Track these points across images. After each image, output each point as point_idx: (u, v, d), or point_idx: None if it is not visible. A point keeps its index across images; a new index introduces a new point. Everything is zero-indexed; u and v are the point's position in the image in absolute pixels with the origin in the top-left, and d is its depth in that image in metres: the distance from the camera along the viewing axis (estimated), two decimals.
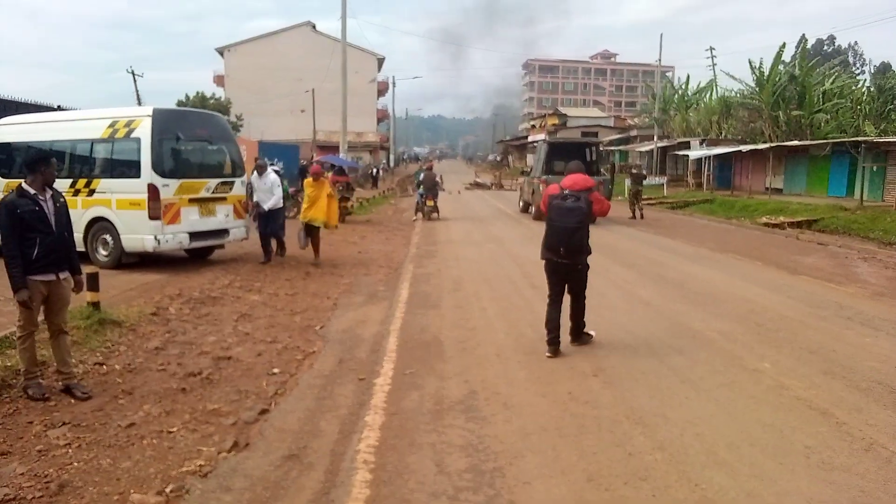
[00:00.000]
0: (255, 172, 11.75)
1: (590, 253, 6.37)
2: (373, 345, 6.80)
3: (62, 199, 5.37)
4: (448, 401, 5.05)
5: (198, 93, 46.54)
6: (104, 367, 5.94)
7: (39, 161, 5.18)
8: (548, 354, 6.20)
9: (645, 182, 30.36)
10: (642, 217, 22.28)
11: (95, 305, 7.07)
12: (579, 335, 6.61)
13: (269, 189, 11.54)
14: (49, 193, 5.22)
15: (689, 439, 4.29)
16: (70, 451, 4.26)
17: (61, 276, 5.26)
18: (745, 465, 3.92)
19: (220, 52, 60.99)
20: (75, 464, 4.04)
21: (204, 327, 7.46)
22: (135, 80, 38.68)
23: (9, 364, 5.51)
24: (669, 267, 11.88)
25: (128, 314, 7.42)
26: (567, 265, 6.30)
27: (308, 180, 12.18)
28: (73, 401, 5.16)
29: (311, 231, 11.90)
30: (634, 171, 26.22)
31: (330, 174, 21.22)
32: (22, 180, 5.21)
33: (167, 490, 3.71)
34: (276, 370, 5.99)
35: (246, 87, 54.37)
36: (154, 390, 5.43)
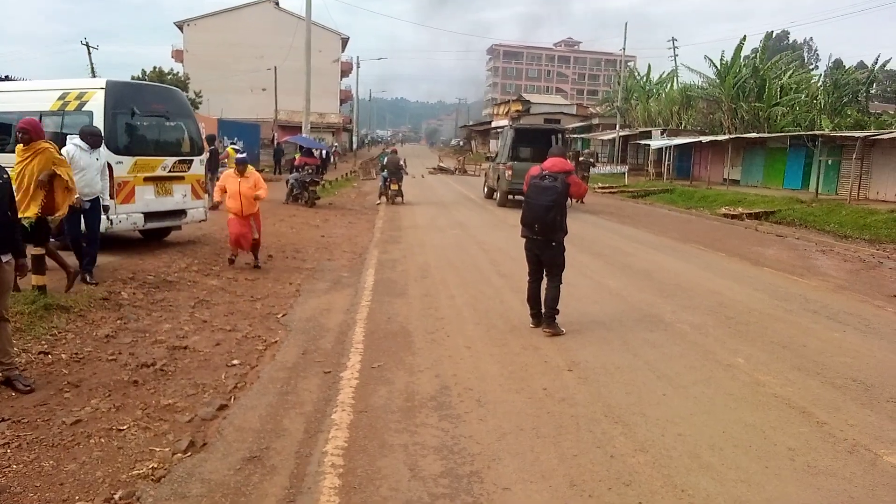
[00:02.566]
0: (82, 144, 8.14)
1: (566, 233, 6.54)
2: (338, 335, 6.52)
3: (5, 176, 4.93)
4: (419, 397, 4.82)
5: (155, 68, 44.83)
6: (49, 356, 5.53)
7: None
8: (531, 325, 6.76)
9: (592, 170, 30.98)
10: (582, 202, 21.95)
11: (41, 289, 6.61)
12: (551, 321, 6.52)
13: (102, 168, 8.28)
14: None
15: (671, 440, 4.15)
16: (9, 451, 3.90)
17: (3, 258, 4.83)
18: (730, 468, 3.79)
19: (180, 26, 59.09)
20: (14, 466, 3.69)
21: (158, 314, 7.07)
22: (89, 53, 37.25)
23: None
24: (635, 256, 11.84)
25: (76, 299, 6.97)
26: (541, 241, 6.57)
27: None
28: (13, 394, 4.76)
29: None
30: (581, 158, 27.41)
31: (298, 155, 20.70)
32: None
33: (116, 497, 3.40)
34: (235, 361, 5.68)
35: (206, 64, 52.81)
36: (103, 382, 5.07)
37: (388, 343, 6.19)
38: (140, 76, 42.41)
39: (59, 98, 9.57)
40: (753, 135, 31.72)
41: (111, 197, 9.22)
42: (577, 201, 22.09)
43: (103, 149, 8.52)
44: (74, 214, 7.77)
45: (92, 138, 8.27)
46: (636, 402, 4.82)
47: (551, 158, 6.66)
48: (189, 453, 3.96)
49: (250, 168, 9.76)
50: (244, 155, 9.99)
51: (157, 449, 4.00)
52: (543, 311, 6.59)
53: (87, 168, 8.02)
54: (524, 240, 6.78)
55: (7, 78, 14.48)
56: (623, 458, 3.88)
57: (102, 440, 4.10)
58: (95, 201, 8.22)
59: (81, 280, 7.61)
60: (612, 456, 3.91)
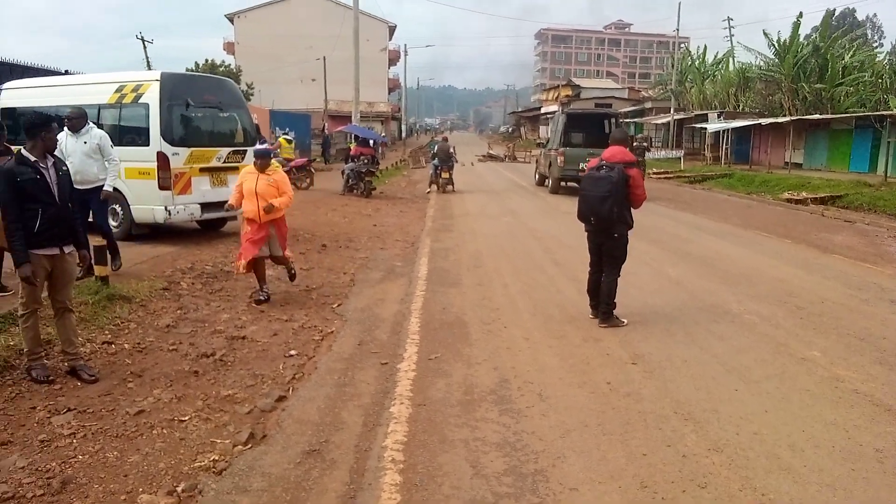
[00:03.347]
0: (66, 129, 7.53)
1: (630, 225, 6.25)
2: (393, 325, 6.46)
3: (65, 168, 5.00)
4: (478, 390, 4.70)
5: (207, 60, 45.74)
6: (113, 346, 5.63)
7: (40, 125, 4.78)
8: (590, 316, 6.53)
9: (657, 155, 29.74)
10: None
11: (104, 280, 6.76)
12: (606, 316, 6.30)
13: (92, 152, 7.57)
14: (51, 161, 4.85)
15: (747, 439, 3.93)
16: (75, 441, 3.96)
17: (66, 249, 4.91)
18: (812, 471, 3.56)
19: (231, 18, 60.09)
20: (80, 457, 3.73)
21: (217, 303, 7.14)
22: (144, 47, 38.12)
23: (11, 343, 5.20)
24: (695, 243, 11.45)
25: (138, 289, 7.11)
26: (602, 232, 6.32)
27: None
28: (79, 384, 4.86)
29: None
30: (635, 143, 25.90)
31: (353, 146, 20.64)
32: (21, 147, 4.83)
33: (179, 489, 3.39)
34: (292, 352, 5.67)
35: (256, 55, 53.59)
36: (165, 372, 5.12)
37: (444, 334, 6.09)
38: (193, 69, 43.34)
39: (116, 91, 9.76)
40: (817, 116, 30.39)
41: (163, 188, 9.36)
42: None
43: (95, 130, 7.68)
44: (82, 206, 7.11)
45: (71, 121, 7.50)
46: (706, 397, 4.60)
47: (611, 147, 6.36)
48: (249, 445, 3.94)
49: (274, 164, 7.32)
50: (264, 145, 7.67)
51: (218, 441, 3.99)
52: (600, 304, 6.37)
53: (72, 154, 7.41)
54: (585, 230, 6.55)
55: (67, 73, 14.87)
56: (696, 458, 3.68)
57: (165, 431, 4.12)
58: (96, 191, 7.56)
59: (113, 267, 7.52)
60: (684, 455, 3.72)
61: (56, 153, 5.00)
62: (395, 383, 4.85)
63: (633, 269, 8.64)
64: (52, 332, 5.27)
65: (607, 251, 6.37)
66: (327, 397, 4.65)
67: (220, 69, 42.39)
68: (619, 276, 6.36)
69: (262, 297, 7.20)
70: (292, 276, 7.75)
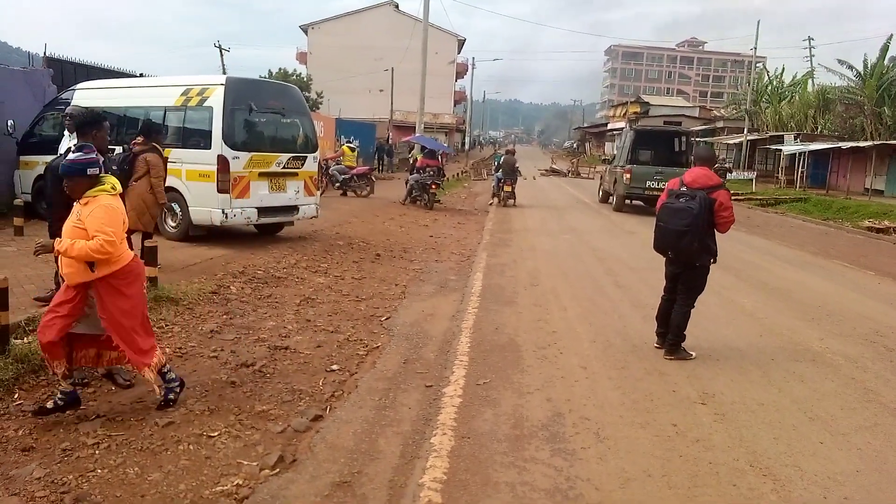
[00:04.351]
0: (66, 130, 6.90)
1: (713, 254, 5.68)
2: (442, 344, 6.11)
3: (114, 168, 4.88)
4: (529, 424, 4.30)
5: (280, 69, 46.79)
6: None
7: (90, 123, 4.68)
8: (655, 345, 6.05)
9: (729, 176, 28.51)
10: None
11: (152, 281, 6.65)
12: (674, 348, 5.79)
13: None
14: (100, 160, 4.72)
15: None
16: (97, 452, 3.75)
17: None
18: None
19: (304, 29, 61.36)
20: (99, 471, 3.51)
21: (264, 310, 6.96)
22: (221, 55, 39.09)
23: None
24: (770, 272, 10.72)
25: (187, 291, 7.00)
26: (680, 262, 5.83)
27: None
28: (113, 388, 4.70)
29: None
30: (717, 165, 24.87)
31: (420, 157, 20.43)
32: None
33: None
34: (335, 366, 5.40)
35: (327, 65, 54.45)
36: (201, 381, 4.91)
37: (495, 357, 5.70)
38: (266, 77, 44.32)
39: (182, 94, 9.80)
40: None
41: (222, 191, 9.27)
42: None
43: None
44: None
45: (72, 121, 6.02)
46: (786, 450, 4.07)
47: (694, 169, 5.74)
48: (277, 470, 3.65)
49: (106, 185, 4.21)
50: (79, 154, 4.17)
51: (245, 462, 3.72)
52: (668, 334, 5.87)
53: None
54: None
55: (142, 76, 15.22)
56: None
57: (191, 447, 3.88)
58: None
59: None
60: None
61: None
62: (438, 410, 4.50)
63: (703, 297, 8.00)
64: None
65: (685, 281, 5.84)
66: (365, 420, 4.33)
67: (292, 78, 43.27)
68: (693, 306, 5.84)
69: (58, 402, 4.16)
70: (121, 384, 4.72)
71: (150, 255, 6.64)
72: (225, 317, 6.54)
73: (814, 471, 3.80)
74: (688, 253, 5.61)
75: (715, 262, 5.77)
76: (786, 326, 7.13)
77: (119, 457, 3.70)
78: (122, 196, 7.52)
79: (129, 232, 7.68)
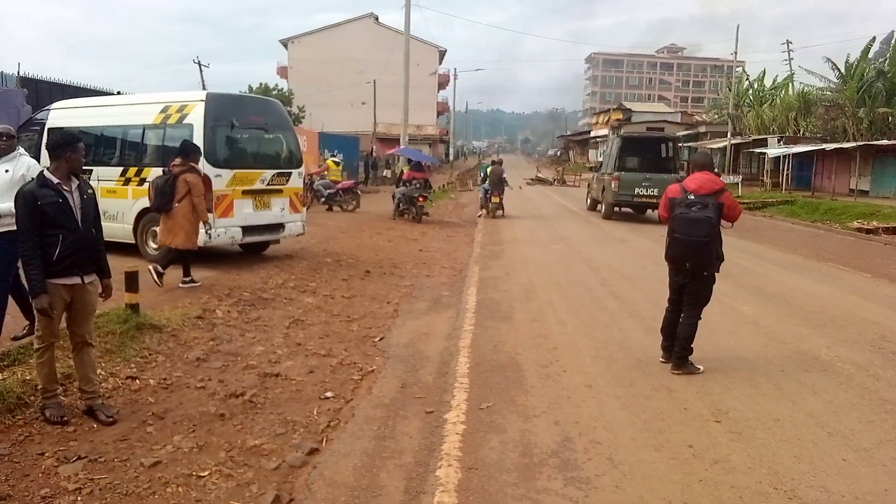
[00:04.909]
0: None
1: (721, 260, 5.58)
2: (440, 365, 5.87)
3: (90, 191, 4.61)
4: (538, 451, 4.07)
5: (261, 84, 46.45)
6: (137, 381, 5.20)
7: (63, 145, 4.41)
8: (661, 360, 5.84)
9: None
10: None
11: (134, 308, 6.37)
12: (681, 362, 5.60)
13: (14, 185, 4.98)
14: (75, 184, 4.46)
15: None
16: (79, 499, 3.48)
17: (87, 279, 4.50)
18: None
19: (285, 43, 61.21)
20: None
21: (252, 334, 6.69)
22: (201, 71, 38.74)
23: (28, 377, 4.80)
24: (766, 277, 10.59)
25: (170, 317, 6.71)
26: (690, 272, 5.67)
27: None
28: (95, 425, 4.42)
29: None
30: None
31: (406, 169, 20.18)
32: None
33: None
34: (329, 394, 5.15)
35: (308, 79, 54.28)
36: (189, 415, 4.65)
37: (497, 378, 5.47)
38: (246, 92, 43.99)
39: (162, 111, 9.54)
40: (885, 142, 28.91)
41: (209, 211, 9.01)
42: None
43: (24, 158, 5.52)
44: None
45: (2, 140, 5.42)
46: (810, 469, 3.87)
47: (697, 175, 5.59)
48: None
49: None
50: None
51: None
52: (675, 347, 5.67)
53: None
54: (668, 265, 5.85)
55: (119, 94, 14.92)
56: None
57: (180, 489, 3.62)
58: (8, 235, 5.07)
59: None
60: None
61: None
62: (441, 438, 4.26)
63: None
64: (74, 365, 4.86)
65: (691, 292, 5.67)
66: (364, 453, 4.08)
67: (273, 92, 42.93)
68: (700, 318, 5.66)
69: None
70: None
71: (130, 281, 6.36)
72: (211, 343, 6.27)
73: (840, 491, 3.61)
74: (706, 263, 5.51)
75: (722, 261, 5.63)
76: (791, 334, 6.97)
77: (103, 503, 3.44)
78: (168, 217, 7.67)
79: (181, 250, 7.93)
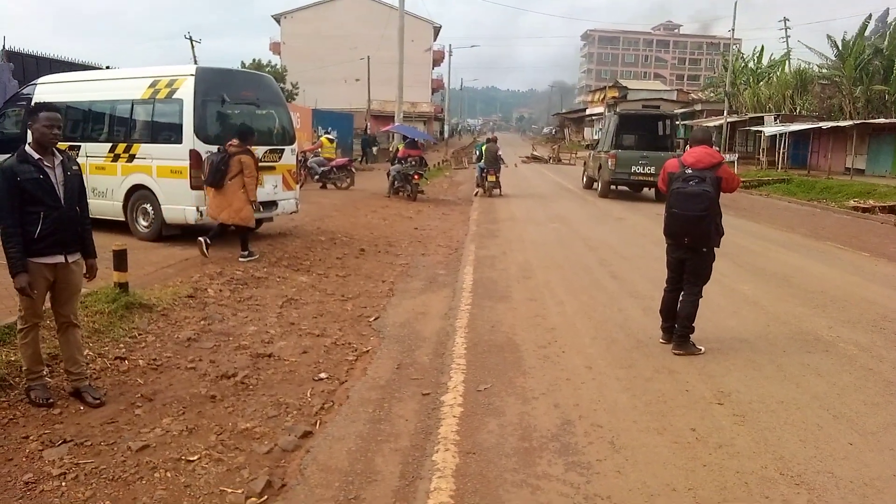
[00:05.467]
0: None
1: (722, 234, 5.49)
2: (436, 345, 5.76)
3: (75, 167, 4.42)
4: (538, 435, 3.97)
5: (254, 60, 45.80)
6: (126, 362, 5.07)
7: (29, 114, 4.22)
8: (661, 341, 5.75)
9: None
10: None
11: (123, 287, 6.22)
12: (682, 341, 5.50)
13: None
14: (59, 159, 4.28)
15: None
16: (64, 484, 3.37)
17: (70, 258, 4.35)
18: None
19: (277, 19, 60.31)
20: None
21: (244, 314, 6.56)
22: (192, 46, 38.04)
23: (13, 359, 4.66)
24: (766, 257, 10.49)
25: (161, 296, 6.57)
26: (689, 247, 5.56)
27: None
28: (81, 408, 4.29)
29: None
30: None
31: (401, 147, 19.89)
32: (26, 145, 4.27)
33: None
34: (322, 375, 5.03)
35: (302, 55, 53.59)
36: (179, 396, 4.53)
37: (494, 359, 5.36)
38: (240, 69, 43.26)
39: (150, 86, 9.30)
40: (882, 120, 28.75)
41: (195, 187, 8.84)
42: None
43: None
44: None
45: None
46: (816, 453, 3.78)
47: (695, 149, 5.49)
48: (265, 498, 3.30)
49: None
50: None
51: (229, 490, 3.36)
52: (676, 327, 5.57)
53: None
54: (667, 243, 5.74)
55: (108, 68, 14.59)
56: None
57: (168, 474, 3.50)
58: None
59: None
60: None
61: None
62: (438, 421, 4.15)
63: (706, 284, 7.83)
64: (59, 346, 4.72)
65: (691, 268, 5.57)
66: (359, 436, 3.97)
67: (266, 69, 42.36)
68: (701, 295, 5.56)
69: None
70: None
71: (119, 259, 6.20)
72: (203, 322, 6.13)
73: (848, 477, 3.52)
74: (705, 237, 5.40)
75: (722, 236, 5.53)
76: (792, 314, 6.87)
77: (88, 489, 3.33)
78: (218, 193, 8.23)
79: (229, 225, 7.88)
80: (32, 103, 10.26)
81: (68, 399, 4.38)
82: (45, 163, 4.19)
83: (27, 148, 4.20)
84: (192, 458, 3.67)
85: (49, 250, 4.21)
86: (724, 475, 3.50)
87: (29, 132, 4.21)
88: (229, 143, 8.45)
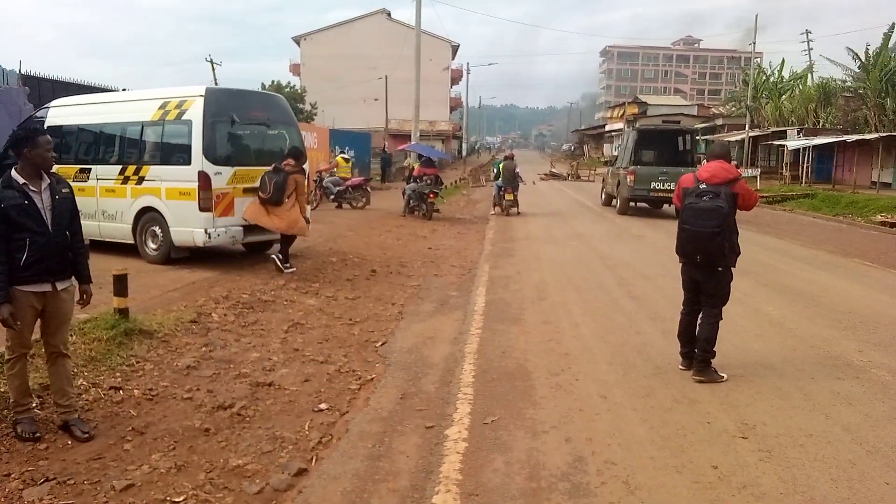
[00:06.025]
0: None
1: (737, 254, 5.20)
2: (443, 373, 5.51)
3: (65, 190, 4.27)
4: (546, 473, 3.69)
5: (273, 81, 46.30)
6: (121, 392, 4.89)
7: (22, 140, 4.07)
8: (681, 367, 5.47)
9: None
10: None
11: (123, 312, 6.05)
12: (703, 367, 5.20)
13: None
14: (45, 183, 4.14)
15: None
16: None
17: (59, 286, 4.18)
18: None
19: (297, 41, 61.03)
20: None
21: (248, 339, 6.37)
22: (213, 69, 38.59)
23: (2, 390, 4.50)
24: (791, 275, 10.11)
25: (163, 321, 6.40)
26: (703, 267, 5.28)
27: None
28: (69, 442, 4.11)
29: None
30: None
31: (416, 165, 19.73)
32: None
33: None
34: (323, 405, 4.81)
35: (321, 76, 54.06)
36: (171, 429, 4.32)
37: (503, 387, 5.10)
38: (260, 90, 43.67)
39: (160, 108, 9.24)
40: None
41: (204, 209, 8.74)
42: None
43: None
44: None
45: None
46: (849, 495, 3.46)
47: (711, 163, 5.25)
48: None
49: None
50: None
51: None
52: (696, 351, 5.28)
53: None
54: (680, 262, 5.49)
55: (124, 90, 14.65)
56: None
57: None
58: None
59: None
60: None
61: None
62: (441, 458, 3.89)
63: (726, 307, 7.50)
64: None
65: (708, 290, 5.30)
66: (356, 475, 3.73)
67: (286, 90, 42.77)
68: (721, 317, 5.27)
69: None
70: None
71: (119, 284, 6.04)
72: (204, 349, 5.95)
73: None
74: (718, 255, 5.12)
75: (738, 256, 5.25)
76: (820, 337, 6.52)
77: None
78: (277, 208, 8.94)
79: (288, 237, 9.25)
80: (45, 126, 10.32)
81: (56, 433, 4.20)
82: (31, 187, 4.04)
83: (13, 173, 4.06)
84: (177, 500, 3.46)
85: (36, 278, 4.05)
86: None
87: (16, 156, 4.06)
88: (285, 162, 9.10)
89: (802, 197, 25.94)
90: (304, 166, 9.72)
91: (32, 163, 4.02)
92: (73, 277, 4.33)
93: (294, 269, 9.28)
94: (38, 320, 4.21)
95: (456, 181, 34.17)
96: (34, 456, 3.91)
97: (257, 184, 9.38)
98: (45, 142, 4.06)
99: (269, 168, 9.12)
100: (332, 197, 19.20)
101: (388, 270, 10.13)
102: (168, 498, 3.47)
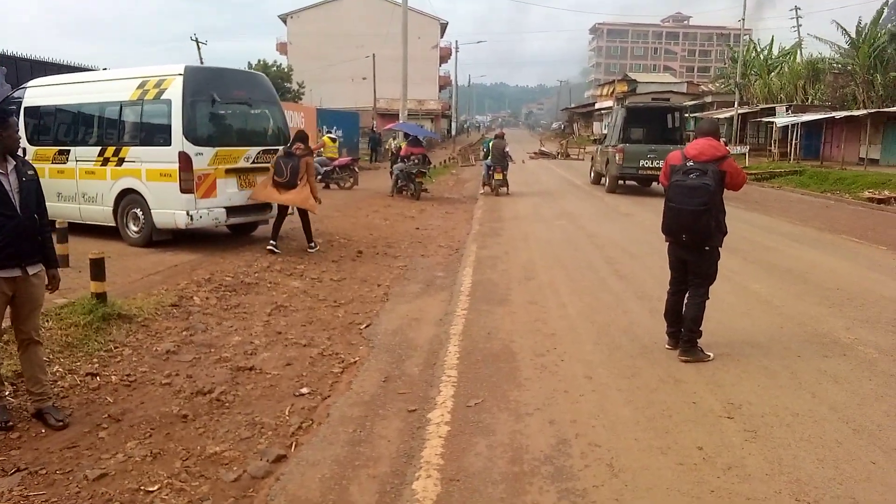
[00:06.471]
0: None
1: (724, 233, 5.13)
2: (427, 355, 5.44)
3: (31, 172, 4.14)
4: (529, 457, 3.63)
5: (260, 60, 45.56)
6: (97, 378, 4.79)
7: (5, 122, 3.94)
8: (667, 346, 5.42)
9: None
10: None
11: (100, 297, 5.93)
12: (689, 346, 5.15)
13: None
14: (11, 165, 4.00)
15: None
16: None
17: (30, 270, 4.06)
18: None
19: (284, 19, 60.18)
20: None
21: (230, 322, 6.27)
22: (198, 48, 37.90)
23: None
24: (778, 252, 10.08)
25: (143, 305, 6.28)
26: (689, 245, 5.20)
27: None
28: (43, 430, 4.01)
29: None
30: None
31: (404, 145, 19.51)
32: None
33: None
34: (304, 390, 4.73)
35: (308, 55, 53.40)
36: (148, 416, 4.23)
37: (488, 369, 5.03)
38: (246, 69, 43.03)
39: (139, 87, 9.03)
40: None
41: (185, 191, 8.61)
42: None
43: None
44: None
45: None
46: (835, 474, 3.42)
47: (698, 141, 5.14)
48: None
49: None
50: None
51: None
52: (682, 331, 5.22)
53: None
54: (666, 241, 5.41)
55: (105, 70, 14.35)
56: None
57: None
58: None
59: None
60: None
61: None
62: (422, 442, 3.82)
63: (713, 284, 7.45)
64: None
65: (694, 269, 5.23)
66: (335, 461, 3.66)
67: (272, 69, 42.16)
68: (707, 297, 5.21)
69: None
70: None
71: (96, 268, 5.91)
72: (185, 333, 5.85)
73: (873, 502, 3.17)
74: (704, 234, 5.04)
75: (725, 235, 5.19)
76: (807, 315, 6.49)
77: None
78: (291, 189, 9.20)
79: (281, 218, 9.62)
80: (22, 107, 10.09)
81: (30, 421, 4.11)
82: None
83: None
84: (151, 489, 3.38)
85: (6, 262, 3.93)
86: (734, 502, 3.15)
87: None
88: (296, 146, 9.32)
89: (790, 174, 25.95)
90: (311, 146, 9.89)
91: (6, 145, 3.88)
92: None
93: (280, 252, 9.30)
94: (8, 307, 4.10)
95: (445, 160, 33.96)
96: (6, 445, 3.82)
97: (240, 164, 9.25)
98: (16, 124, 3.93)
99: (279, 153, 9.35)
100: (318, 177, 18.97)
101: (375, 251, 10.03)
102: (142, 487, 3.39)
